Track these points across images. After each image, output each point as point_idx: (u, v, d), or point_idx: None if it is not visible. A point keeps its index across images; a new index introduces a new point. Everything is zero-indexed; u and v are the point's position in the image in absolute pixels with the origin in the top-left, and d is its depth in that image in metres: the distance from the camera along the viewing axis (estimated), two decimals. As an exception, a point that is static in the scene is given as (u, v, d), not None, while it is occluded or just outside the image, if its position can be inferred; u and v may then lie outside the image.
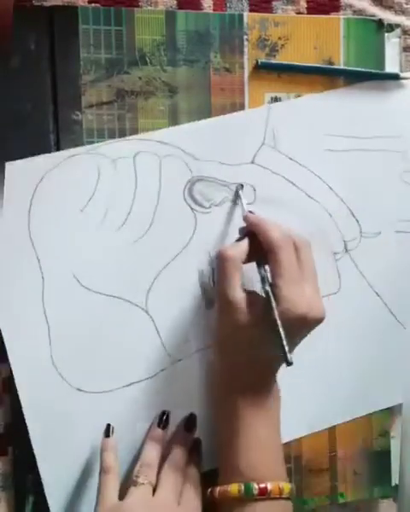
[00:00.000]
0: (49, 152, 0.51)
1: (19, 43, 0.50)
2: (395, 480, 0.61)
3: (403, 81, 0.59)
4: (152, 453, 0.51)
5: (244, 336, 0.49)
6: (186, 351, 0.55)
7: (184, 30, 0.54)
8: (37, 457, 0.51)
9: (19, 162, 0.50)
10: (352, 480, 0.60)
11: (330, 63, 0.57)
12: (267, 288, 0.48)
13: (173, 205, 0.54)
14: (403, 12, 0.59)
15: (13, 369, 0.51)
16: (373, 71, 0.58)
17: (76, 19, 0.51)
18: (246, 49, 0.55)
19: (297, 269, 0.49)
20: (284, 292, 0.47)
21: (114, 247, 0.53)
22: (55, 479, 0.52)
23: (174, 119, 0.54)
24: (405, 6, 0.59)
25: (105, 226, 0.53)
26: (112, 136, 0.53)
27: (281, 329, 0.46)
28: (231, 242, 0.53)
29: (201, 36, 0.54)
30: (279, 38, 0.56)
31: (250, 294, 0.49)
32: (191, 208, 0.54)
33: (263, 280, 0.49)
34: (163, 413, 0.53)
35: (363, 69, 0.58)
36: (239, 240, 0.51)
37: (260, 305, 0.48)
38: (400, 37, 0.59)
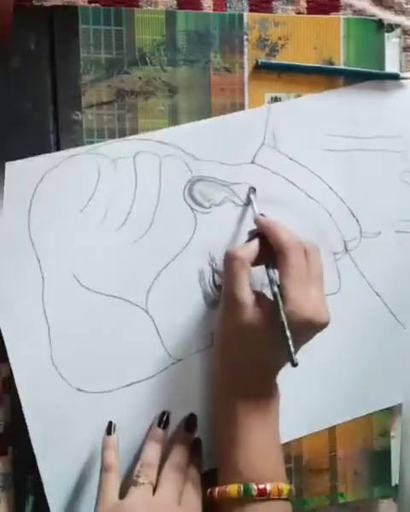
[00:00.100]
0: (49, 152, 0.51)
1: (19, 43, 0.50)
2: (395, 480, 0.61)
3: (403, 81, 0.59)
4: (152, 453, 0.51)
5: (249, 336, 0.49)
6: (186, 351, 0.55)
7: (184, 30, 0.54)
8: (37, 457, 0.51)
9: (19, 162, 0.51)
10: (352, 480, 0.60)
11: (331, 63, 0.57)
12: (275, 289, 0.48)
13: (173, 205, 0.54)
14: (403, 12, 0.60)
15: (13, 368, 0.51)
16: (373, 71, 0.58)
17: (76, 19, 0.51)
18: (246, 49, 0.55)
19: (305, 272, 0.49)
20: (291, 294, 0.47)
21: (114, 247, 0.53)
22: (55, 478, 0.52)
23: (174, 119, 0.54)
24: (405, 6, 0.59)
25: (105, 226, 0.53)
26: (112, 136, 0.53)
27: (288, 331, 0.46)
28: (234, 242, 0.53)
29: (201, 36, 0.54)
30: (279, 38, 0.56)
31: (257, 295, 0.49)
32: (191, 208, 0.54)
33: (271, 281, 0.49)
34: (163, 413, 0.53)
35: (363, 69, 0.58)
36: (248, 241, 0.51)
37: (267, 306, 0.48)
38: (400, 37, 0.59)
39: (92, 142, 0.52)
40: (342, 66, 0.57)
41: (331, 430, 0.59)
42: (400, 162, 0.59)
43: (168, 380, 0.54)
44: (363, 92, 0.58)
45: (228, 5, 0.55)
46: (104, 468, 0.50)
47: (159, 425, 0.53)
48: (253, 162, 0.56)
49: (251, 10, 0.56)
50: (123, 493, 0.49)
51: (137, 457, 0.52)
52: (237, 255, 0.49)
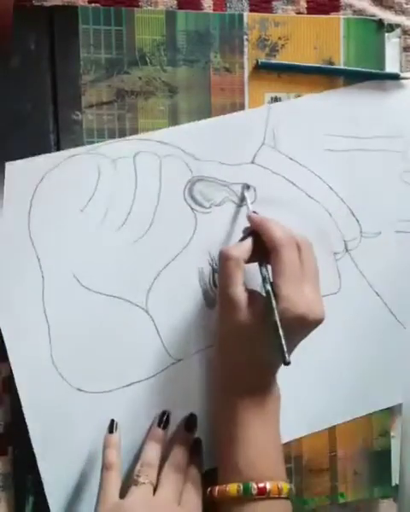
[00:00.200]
0: (49, 152, 0.51)
1: (19, 43, 0.50)
2: (395, 480, 0.61)
3: (403, 81, 0.59)
4: (152, 453, 0.51)
5: (245, 335, 0.49)
6: (186, 351, 0.55)
7: (184, 30, 0.54)
8: (37, 457, 0.51)
9: (19, 162, 0.51)
10: (352, 480, 0.60)
11: (331, 63, 0.57)
12: (268, 287, 0.48)
13: (173, 205, 0.54)
14: (403, 12, 0.60)
15: (13, 368, 0.51)
16: (373, 71, 0.58)
17: (76, 19, 0.51)
18: (246, 49, 0.55)
19: (299, 269, 0.49)
20: (284, 291, 0.48)
21: (114, 247, 0.53)
22: (56, 478, 0.52)
23: (174, 119, 0.54)
24: (405, 6, 0.59)
25: (105, 226, 0.53)
26: (112, 136, 0.53)
27: (280, 329, 0.46)
28: (234, 242, 0.53)
29: (201, 36, 0.54)
30: (279, 38, 0.56)
31: (251, 293, 0.50)
32: (191, 208, 0.54)
33: (264, 279, 0.49)
34: (163, 413, 0.53)
35: (363, 69, 0.58)
36: (242, 240, 0.51)
37: (261, 304, 0.48)
38: (400, 37, 0.59)
39: (92, 142, 0.52)
40: (342, 66, 0.57)
41: (331, 430, 0.59)
42: (400, 162, 0.59)
43: (168, 380, 0.54)
44: (363, 92, 0.58)
45: (228, 5, 0.55)
46: (105, 467, 0.50)
47: (159, 425, 0.53)
48: (253, 162, 0.56)
49: (251, 10, 0.56)
50: (123, 493, 0.49)
51: (137, 457, 0.52)
52: (230, 255, 0.49)
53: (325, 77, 0.57)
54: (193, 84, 0.54)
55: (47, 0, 0.51)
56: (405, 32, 0.59)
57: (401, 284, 0.60)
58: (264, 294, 0.49)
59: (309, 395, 0.58)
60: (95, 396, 0.52)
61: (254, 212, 0.53)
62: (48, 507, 0.52)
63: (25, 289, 0.51)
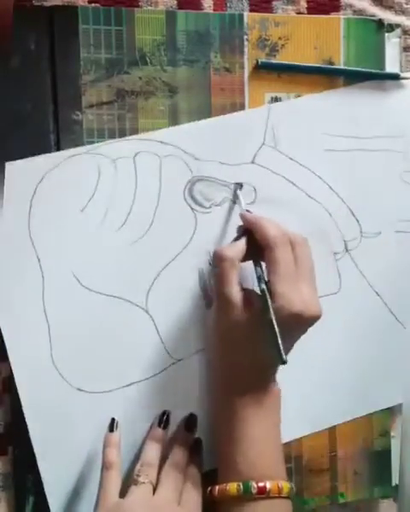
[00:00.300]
0: (50, 152, 0.51)
1: (19, 43, 0.50)
2: (395, 480, 0.61)
3: (403, 81, 0.59)
4: (153, 453, 0.51)
5: (241, 334, 0.49)
6: (186, 351, 0.55)
7: (185, 30, 0.54)
8: (37, 457, 0.51)
9: (19, 162, 0.51)
10: (352, 480, 0.60)
11: (331, 63, 0.57)
12: (263, 286, 0.48)
13: (174, 205, 0.54)
14: (403, 12, 0.59)
15: (13, 368, 0.51)
16: (373, 71, 0.58)
17: (76, 19, 0.51)
18: (246, 49, 0.55)
19: (293, 266, 0.49)
20: (279, 289, 0.48)
21: (115, 247, 0.53)
22: (56, 478, 0.52)
23: (174, 119, 0.54)
24: (405, 6, 0.59)
25: (105, 226, 0.53)
26: (112, 136, 0.53)
27: (276, 328, 0.46)
28: (230, 242, 0.53)
29: (201, 36, 0.54)
30: (279, 38, 0.56)
31: (247, 293, 0.50)
32: (191, 208, 0.54)
33: (259, 278, 0.49)
34: (163, 413, 0.53)
35: (363, 69, 0.58)
36: (236, 239, 0.51)
37: (257, 303, 0.48)
38: (400, 37, 0.59)
39: (92, 142, 0.52)
40: (342, 66, 0.57)
41: (331, 430, 0.59)
42: (400, 162, 0.59)
43: (168, 380, 0.54)
44: (363, 92, 0.58)
45: (228, 5, 0.55)
46: (105, 466, 0.50)
47: (159, 425, 0.53)
48: (253, 162, 0.56)
49: (251, 10, 0.56)
50: (123, 492, 0.49)
51: (137, 457, 0.52)
52: (225, 255, 0.49)
53: (325, 77, 0.57)
54: (193, 84, 0.54)
55: (47, 0, 0.51)
56: (405, 31, 0.59)
57: (401, 284, 0.60)
58: (259, 293, 0.49)
59: (309, 395, 0.58)
60: (95, 396, 0.52)
61: (248, 210, 0.53)
62: (48, 507, 0.52)
63: (25, 289, 0.51)
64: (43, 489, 0.51)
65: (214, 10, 0.55)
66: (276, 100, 0.56)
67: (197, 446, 0.54)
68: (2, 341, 0.51)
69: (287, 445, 0.57)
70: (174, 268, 0.54)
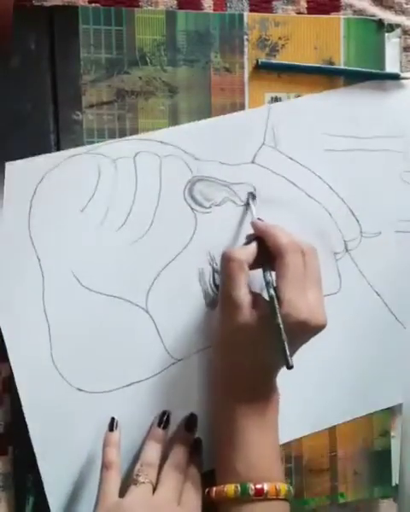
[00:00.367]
0: (50, 152, 0.51)
1: (19, 43, 0.50)
2: (395, 480, 0.61)
3: (403, 81, 0.59)
4: (153, 453, 0.51)
5: (246, 337, 0.49)
6: (186, 351, 0.55)
7: (185, 30, 0.54)
8: (37, 457, 0.51)
9: (19, 162, 0.51)
10: (352, 480, 0.60)
11: (331, 63, 0.57)
12: (272, 291, 0.48)
13: (174, 205, 0.54)
14: (403, 12, 0.59)
15: (13, 368, 0.51)
16: (373, 71, 0.58)
17: (76, 19, 0.51)
18: (246, 49, 0.55)
19: (302, 274, 0.49)
20: (287, 296, 0.47)
21: (115, 247, 0.53)
22: (56, 478, 0.52)
23: (174, 119, 0.54)
24: (405, 6, 0.59)
25: (105, 226, 0.53)
26: (112, 136, 0.53)
27: (283, 333, 0.46)
28: (235, 242, 0.54)
29: (201, 36, 0.54)
30: (279, 38, 0.56)
31: (255, 296, 0.49)
32: (191, 208, 0.54)
33: (268, 284, 0.49)
34: (164, 413, 0.53)
35: (363, 69, 0.58)
36: (246, 244, 0.51)
37: (264, 307, 0.48)
38: (400, 37, 0.59)
39: (92, 142, 0.52)
40: (342, 66, 0.57)
41: (331, 430, 0.59)
42: (400, 162, 0.59)
43: (168, 380, 0.54)
44: (363, 92, 0.58)
45: (228, 5, 0.55)
46: (105, 466, 0.50)
47: (159, 425, 0.53)
48: (253, 162, 0.56)
49: (251, 10, 0.56)
50: (123, 492, 0.49)
51: (137, 457, 0.52)
52: (234, 256, 0.49)
53: (325, 77, 0.57)
54: (193, 84, 0.54)
55: (47, 0, 0.51)
56: (405, 31, 0.59)
57: (401, 284, 0.60)
58: (267, 299, 0.49)
59: (309, 395, 0.58)
60: (95, 396, 0.52)
61: (259, 218, 0.53)
62: (48, 507, 0.52)
63: (25, 289, 0.51)
64: (43, 489, 0.52)
65: (214, 10, 0.55)
66: (276, 100, 0.56)
67: (197, 446, 0.54)
68: (2, 341, 0.51)
69: (287, 444, 0.57)
70: (174, 268, 0.54)
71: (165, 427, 0.53)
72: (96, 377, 0.53)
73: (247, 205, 0.55)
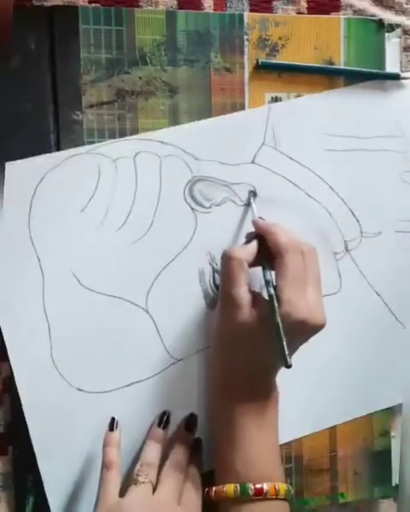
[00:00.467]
0: (50, 152, 0.51)
1: (19, 43, 0.50)
2: (395, 480, 0.61)
3: (403, 81, 0.59)
4: (153, 453, 0.51)
5: (245, 335, 0.49)
6: (186, 351, 0.55)
7: (185, 30, 0.54)
8: (37, 457, 0.51)
9: (19, 162, 0.51)
10: (352, 480, 0.60)
11: (331, 63, 0.57)
12: (271, 291, 0.48)
13: (174, 205, 0.54)
14: (403, 12, 0.59)
15: (13, 368, 0.51)
16: (373, 71, 0.58)
17: (76, 19, 0.51)
18: (246, 49, 0.55)
19: (302, 274, 0.49)
20: (286, 295, 0.48)
21: (115, 246, 0.53)
22: (56, 478, 0.52)
23: (174, 119, 0.54)
24: (405, 6, 0.59)
25: (105, 226, 0.53)
26: (112, 136, 0.53)
27: (282, 332, 0.46)
28: (235, 242, 0.54)
29: (201, 36, 0.54)
30: (280, 38, 0.56)
31: (254, 296, 0.50)
32: (192, 208, 0.54)
33: (268, 283, 0.49)
34: (164, 413, 0.53)
35: (363, 69, 0.58)
36: (246, 243, 0.52)
37: (263, 306, 0.48)
38: (400, 37, 0.59)
39: (92, 142, 0.52)
40: (342, 66, 0.57)
41: (331, 430, 0.59)
42: (400, 162, 0.59)
43: (168, 380, 0.54)
44: (363, 92, 0.58)
45: (228, 5, 0.55)
46: (105, 466, 0.49)
47: (159, 425, 0.53)
48: (253, 162, 0.56)
49: (251, 10, 0.56)
50: (123, 492, 0.49)
51: (137, 457, 0.52)
52: (234, 255, 0.49)
53: (326, 77, 0.57)
54: (193, 84, 0.54)
55: (47, 0, 0.51)
56: (405, 31, 0.59)
57: (401, 284, 0.60)
58: (267, 298, 0.49)
59: (309, 395, 0.58)
60: (95, 396, 0.52)
61: (261, 217, 0.53)
62: (48, 507, 0.52)
63: (25, 289, 0.51)
64: (43, 489, 0.52)
65: (214, 10, 0.55)
66: (276, 100, 0.56)
67: (197, 446, 0.54)
68: (3, 341, 0.51)
69: (287, 445, 0.57)
70: (174, 268, 0.54)
71: (165, 427, 0.53)
72: (96, 377, 0.53)
73: (248, 203, 0.55)
